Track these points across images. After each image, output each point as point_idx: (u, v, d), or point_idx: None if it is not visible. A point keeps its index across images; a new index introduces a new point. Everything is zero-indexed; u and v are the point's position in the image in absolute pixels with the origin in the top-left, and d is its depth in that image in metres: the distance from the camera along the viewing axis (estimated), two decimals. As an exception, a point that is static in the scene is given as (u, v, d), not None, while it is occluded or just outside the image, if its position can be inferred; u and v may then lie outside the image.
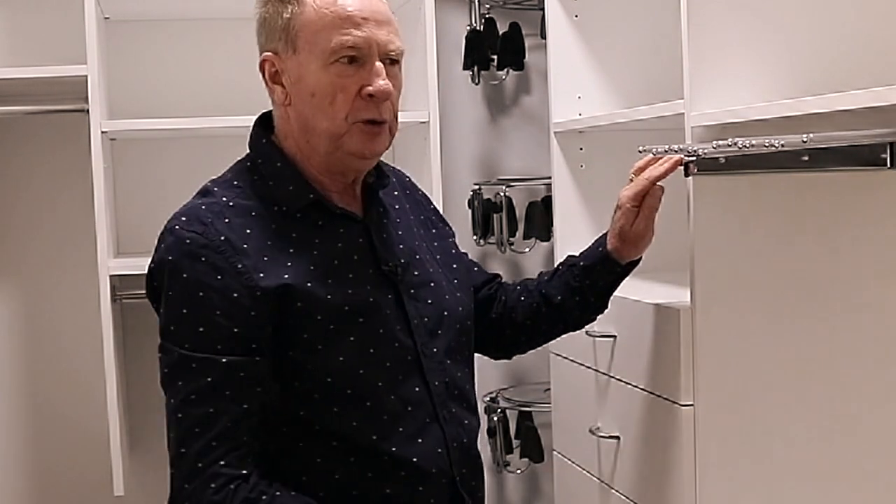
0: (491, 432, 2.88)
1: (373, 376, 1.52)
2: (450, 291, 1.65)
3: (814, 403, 1.80)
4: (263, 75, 1.56)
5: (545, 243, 2.84)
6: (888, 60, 1.71)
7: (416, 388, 1.56)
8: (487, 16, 2.86)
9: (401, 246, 1.62)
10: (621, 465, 2.05)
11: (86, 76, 2.35)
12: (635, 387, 1.97)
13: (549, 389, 2.48)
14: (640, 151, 1.78)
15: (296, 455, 1.52)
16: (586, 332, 2.13)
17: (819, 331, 1.79)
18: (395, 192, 1.71)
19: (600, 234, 1.82)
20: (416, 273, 1.61)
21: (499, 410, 2.87)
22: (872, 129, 1.37)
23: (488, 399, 2.90)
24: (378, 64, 1.51)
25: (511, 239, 2.83)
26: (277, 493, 1.47)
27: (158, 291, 1.51)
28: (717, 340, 1.78)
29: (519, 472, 2.97)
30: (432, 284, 1.63)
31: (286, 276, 1.47)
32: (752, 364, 1.79)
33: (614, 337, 2.05)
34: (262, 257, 1.48)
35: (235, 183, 1.56)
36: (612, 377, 2.07)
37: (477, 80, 2.91)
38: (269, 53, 1.55)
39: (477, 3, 2.86)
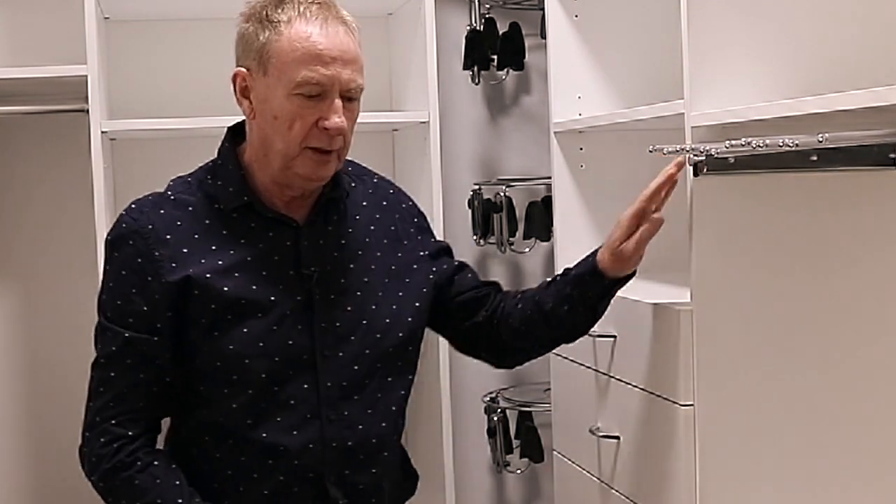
0: (491, 432, 2.88)
1: (258, 367, 1.65)
2: (382, 302, 1.74)
3: (814, 403, 1.80)
4: (235, 87, 1.69)
5: (545, 243, 2.84)
6: (888, 60, 1.71)
7: (305, 386, 1.67)
8: (487, 16, 2.86)
9: (336, 253, 1.73)
10: (621, 465, 2.05)
11: (86, 76, 2.34)
12: (635, 387, 1.97)
13: (549, 389, 2.48)
14: (650, 151, 1.78)
15: (190, 430, 1.72)
16: (586, 332, 2.13)
17: (821, 331, 1.79)
18: (364, 203, 1.80)
19: (600, 245, 1.83)
20: (342, 280, 1.72)
21: (499, 410, 2.87)
22: (885, 129, 1.36)
23: (488, 399, 2.90)
24: (337, 101, 1.63)
25: (511, 239, 2.83)
26: (155, 463, 1.66)
27: (104, 266, 1.73)
28: (717, 340, 1.78)
29: (519, 472, 2.97)
30: (359, 293, 1.73)
31: (191, 270, 1.64)
32: (752, 364, 1.79)
33: (614, 337, 2.05)
34: (181, 249, 1.66)
35: (189, 180, 1.75)
36: (612, 377, 2.07)
37: (477, 80, 2.91)
38: (242, 69, 1.67)
39: (477, 3, 2.86)
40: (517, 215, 2.84)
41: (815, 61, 1.74)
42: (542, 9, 2.51)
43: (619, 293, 1.89)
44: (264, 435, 1.66)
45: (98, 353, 1.70)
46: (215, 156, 1.77)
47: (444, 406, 2.53)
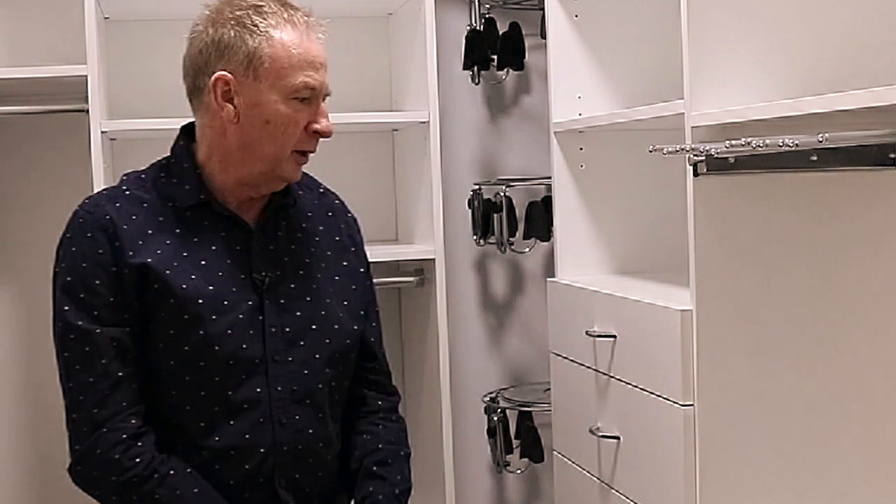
0: (491, 432, 2.88)
1: (211, 371, 1.64)
2: (330, 309, 1.75)
3: (814, 403, 1.80)
4: (215, 92, 1.65)
5: (545, 243, 2.84)
6: (888, 60, 1.71)
7: (258, 390, 1.67)
8: (487, 16, 2.86)
9: (286, 258, 1.74)
10: (621, 465, 2.05)
11: (86, 76, 2.35)
12: (635, 387, 1.97)
13: (549, 389, 2.48)
14: (650, 151, 1.78)
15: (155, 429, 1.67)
16: (586, 332, 2.13)
17: (821, 331, 1.79)
18: (310, 213, 1.82)
19: None
20: (292, 286, 1.72)
21: (499, 410, 2.86)
22: (884, 129, 1.37)
23: (488, 399, 2.90)
24: (324, 105, 1.70)
25: (511, 239, 2.83)
26: (171, 472, 1.62)
27: (57, 265, 1.69)
28: (717, 340, 1.78)
29: (519, 472, 2.97)
30: (308, 299, 1.73)
31: (149, 260, 1.63)
32: (752, 364, 1.79)
33: (614, 337, 2.05)
34: (137, 240, 1.65)
35: (143, 177, 1.74)
36: (612, 377, 2.07)
37: (477, 80, 2.91)
38: (225, 73, 1.65)
39: (477, 3, 2.86)
40: (517, 215, 2.83)
41: (815, 61, 1.74)
42: (542, 9, 2.51)
43: (619, 293, 1.88)
44: (217, 439, 1.65)
45: (67, 361, 1.63)
46: (168, 154, 1.77)
47: (444, 406, 2.53)
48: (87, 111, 2.37)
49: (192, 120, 1.75)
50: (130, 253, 1.63)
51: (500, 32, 2.86)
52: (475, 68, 2.87)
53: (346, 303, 1.78)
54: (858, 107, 1.36)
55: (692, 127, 1.75)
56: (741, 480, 1.80)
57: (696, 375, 1.78)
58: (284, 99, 1.65)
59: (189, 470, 1.64)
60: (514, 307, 3.03)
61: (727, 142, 1.57)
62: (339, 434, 1.79)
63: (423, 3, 2.50)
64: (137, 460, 1.60)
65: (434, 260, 2.54)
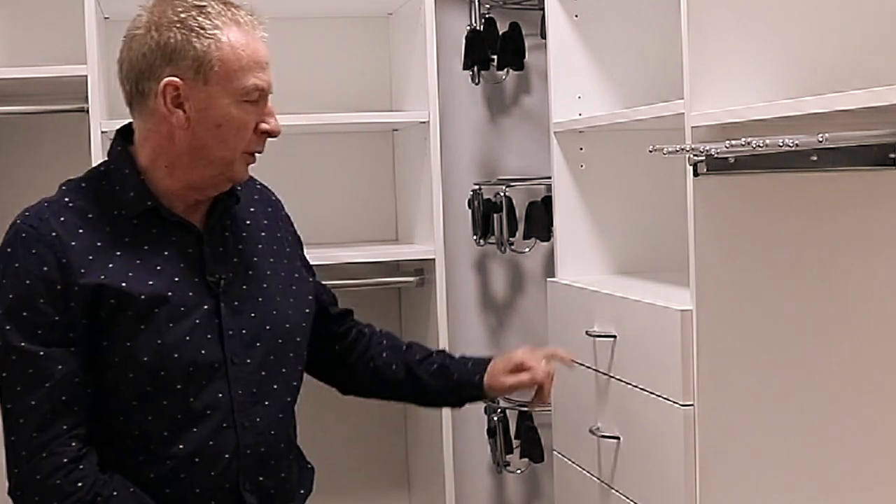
0: (491, 432, 2.88)
1: (173, 378, 1.60)
2: (280, 308, 1.74)
3: (815, 402, 1.80)
4: (164, 98, 1.61)
5: (545, 243, 2.84)
6: (888, 60, 1.71)
7: (220, 395, 1.64)
8: (487, 16, 2.86)
9: (235, 259, 1.71)
10: (621, 465, 2.05)
11: (86, 76, 2.35)
12: (635, 387, 1.97)
13: (549, 389, 2.48)
14: (650, 151, 1.78)
15: (101, 450, 1.61)
16: (586, 332, 2.13)
17: (821, 331, 1.79)
18: (252, 209, 1.80)
19: (487, 358, 1.92)
20: (244, 287, 1.70)
21: (499, 410, 2.87)
22: (884, 129, 1.37)
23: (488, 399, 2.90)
24: (271, 104, 1.66)
25: (511, 239, 2.83)
26: (115, 493, 1.57)
27: None
28: (717, 340, 1.78)
29: (519, 472, 2.97)
30: (260, 299, 1.71)
31: (103, 277, 1.58)
32: (752, 364, 1.79)
33: (614, 337, 2.05)
34: (87, 256, 1.59)
35: (83, 185, 1.68)
36: (612, 377, 2.07)
37: (477, 80, 2.91)
38: (175, 79, 1.60)
39: (477, 3, 2.86)
40: (517, 215, 2.84)
41: (815, 61, 1.74)
42: (542, 9, 2.51)
43: (619, 293, 1.88)
44: (181, 447, 1.61)
45: (6, 380, 1.57)
46: (105, 158, 1.73)
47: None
48: (87, 111, 2.37)
49: (127, 122, 1.71)
50: (82, 271, 1.57)
51: (500, 32, 2.86)
52: (475, 68, 2.87)
53: (292, 299, 1.77)
54: (858, 107, 1.36)
55: (692, 127, 1.75)
56: (741, 480, 1.80)
57: (696, 375, 1.78)
58: (235, 102, 1.61)
59: (132, 489, 1.60)
60: (514, 307, 3.03)
61: (727, 142, 1.57)
62: (295, 430, 1.80)
63: (423, 3, 2.50)
64: (79, 484, 1.55)
65: (434, 260, 2.54)
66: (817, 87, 1.68)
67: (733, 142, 1.56)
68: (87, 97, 2.36)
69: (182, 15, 1.60)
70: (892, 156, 1.47)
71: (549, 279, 2.45)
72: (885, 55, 1.72)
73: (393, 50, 2.83)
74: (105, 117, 2.41)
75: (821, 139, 1.38)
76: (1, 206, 2.69)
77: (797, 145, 1.42)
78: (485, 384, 1.89)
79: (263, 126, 1.65)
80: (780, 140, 1.44)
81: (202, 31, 1.59)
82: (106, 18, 2.62)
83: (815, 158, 1.49)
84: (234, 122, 1.62)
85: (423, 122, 2.54)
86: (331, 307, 1.93)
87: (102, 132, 2.37)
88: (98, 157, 2.35)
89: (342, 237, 2.83)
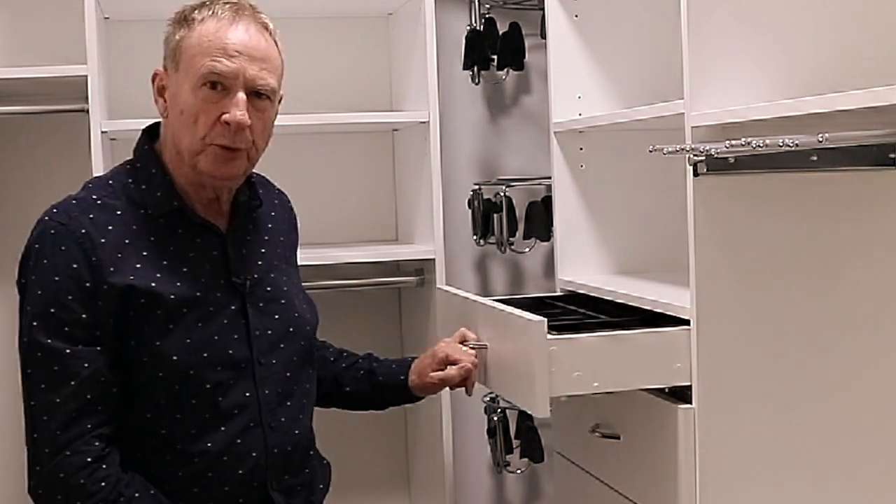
0: (491, 432, 2.88)
1: (201, 378, 1.61)
2: (300, 309, 1.77)
3: (814, 403, 1.80)
4: (153, 88, 1.69)
5: (545, 243, 2.84)
6: (887, 60, 1.71)
7: (247, 394, 1.66)
8: (487, 16, 2.86)
9: (259, 262, 1.74)
10: (621, 465, 2.05)
11: (86, 76, 2.35)
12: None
13: (549, 389, 2.47)
14: (650, 151, 1.78)
15: (124, 446, 1.61)
16: (586, 332, 2.12)
17: (821, 331, 1.79)
18: (273, 213, 1.82)
19: (412, 358, 1.99)
20: (268, 289, 1.72)
21: (499, 410, 2.86)
22: (884, 129, 1.37)
23: (488, 399, 2.89)
24: (240, 95, 1.61)
25: (511, 239, 2.83)
26: (136, 495, 1.57)
27: (24, 277, 1.62)
28: (718, 340, 1.78)
29: (519, 472, 2.97)
30: (283, 301, 1.74)
31: (132, 277, 1.58)
32: (752, 364, 1.79)
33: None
34: (116, 254, 1.58)
35: (110, 183, 1.68)
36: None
37: (477, 80, 2.91)
38: (160, 68, 1.69)
39: (477, 3, 2.86)
40: (517, 215, 2.84)
41: (815, 61, 1.74)
42: (542, 9, 2.51)
43: (618, 293, 1.87)
44: (209, 445, 1.62)
45: (32, 376, 1.57)
46: (131, 157, 1.73)
47: (444, 406, 2.53)
48: (87, 111, 2.37)
49: (154, 122, 1.74)
50: (111, 269, 1.57)
51: (500, 32, 2.86)
52: (475, 68, 2.87)
53: (305, 305, 1.80)
54: (858, 107, 1.36)
55: (692, 127, 1.75)
56: (741, 480, 1.80)
57: (696, 375, 1.78)
58: (194, 87, 1.61)
59: (152, 491, 1.60)
60: (514, 307, 3.03)
61: (727, 142, 1.57)
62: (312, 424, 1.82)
63: (423, 3, 2.50)
64: (103, 484, 1.55)
65: (434, 260, 2.54)
66: (817, 87, 1.68)
67: (733, 142, 1.56)
68: (87, 97, 2.36)
69: (185, 11, 1.66)
70: (892, 156, 1.47)
71: (558, 277, 2.44)
72: (884, 55, 1.72)
73: (393, 50, 2.83)
74: (105, 117, 2.41)
75: (821, 139, 1.38)
76: (1, 206, 2.70)
77: (797, 145, 1.42)
78: (410, 383, 1.93)
79: (224, 116, 1.60)
80: (780, 140, 1.44)
81: (185, 22, 1.64)
82: (106, 18, 2.62)
83: (815, 158, 1.49)
84: (192, 109, 1.61)
85: (423, 122, 2.54)
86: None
87: (102, 132, 2.37)
88: (98, 157, 2.36)
89: (342, 237, 2.83)
